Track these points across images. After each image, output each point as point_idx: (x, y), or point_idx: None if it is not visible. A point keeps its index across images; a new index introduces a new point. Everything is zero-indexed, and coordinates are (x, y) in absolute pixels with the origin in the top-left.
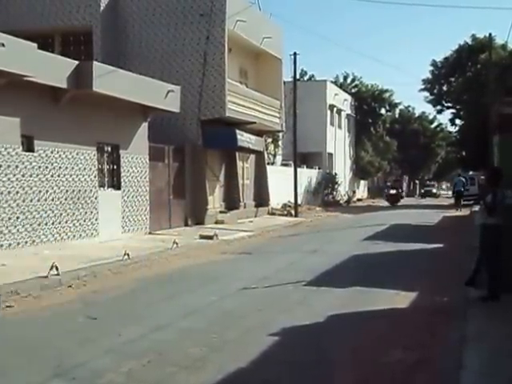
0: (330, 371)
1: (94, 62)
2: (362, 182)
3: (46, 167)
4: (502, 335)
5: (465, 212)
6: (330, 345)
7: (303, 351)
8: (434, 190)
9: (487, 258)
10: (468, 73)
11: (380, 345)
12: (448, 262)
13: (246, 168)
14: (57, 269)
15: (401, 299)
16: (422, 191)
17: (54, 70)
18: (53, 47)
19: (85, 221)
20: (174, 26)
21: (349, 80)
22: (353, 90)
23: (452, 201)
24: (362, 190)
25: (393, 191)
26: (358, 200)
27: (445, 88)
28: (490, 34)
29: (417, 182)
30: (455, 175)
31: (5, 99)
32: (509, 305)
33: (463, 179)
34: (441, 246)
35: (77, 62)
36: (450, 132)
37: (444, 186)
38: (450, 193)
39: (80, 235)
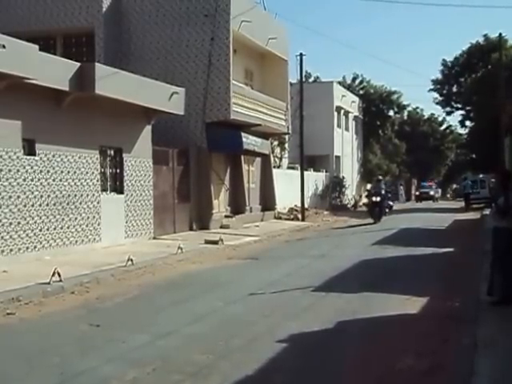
0: (341, 379)
1: (97, 64)
2: (369, 185)
3: (48, 171)
4: None
5: (476, 215)
6: (340, 352)
7: (312, 358)
8: (432, 192)
9: (499, 261)
10: (478, 73)
11: (391, 351)
12: (459, 266)
13: (251, 171)
14: (59, 275)
15: (412, 304)
16: (417, 193)
17: (55, 72)
18: (54, 49)
19: (87, 226)
20: (177, 26)
21: (357, 81)
22: (360, 92)
23: (449, 204)
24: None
25: (376, 198)
26: (364, 205)
27: (454, 89)
28: (500, 34)
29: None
30: (462, 179)
31: (6, 102)
32: None
33: (470, 182)
34: (452, 250)
35: (79, 64)
36: (460, 134)
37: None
38: (449, 196)
39: (82, 240)
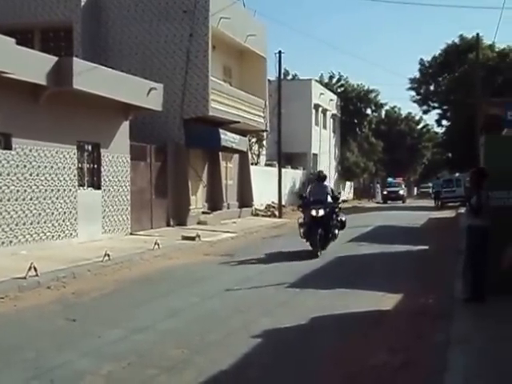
0: (314, 374)
1: (74, 59)
2: (348, 183)
3: (24, 166)
4: (487, 337)
5: (451, 213)
6: (314, 347)
7: (286, 354)
8: (402, 192)
9: (472, 259)
10: (455, 73)
11: (365, 347)
12: (433, 263)
13: (229, 168)
14: (35, 270)
15: (386, 301)
16: (385, 193)
17: (33, 66)
18: (32, 43)
19: (64, 221)
20: (156, 22)
21: (334, 80)
22: (338, 90)
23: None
24: (347, 191)
25: (317, 211)
26: (344, 201)
27: (432, 88)
28: (478, 34)
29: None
30: (435, 178)
31: None
32: (494, 306)
33: (441, 182)
34: (426, 247)
35: (57, 59)
36: (437, 133)
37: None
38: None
39: (59, 235)
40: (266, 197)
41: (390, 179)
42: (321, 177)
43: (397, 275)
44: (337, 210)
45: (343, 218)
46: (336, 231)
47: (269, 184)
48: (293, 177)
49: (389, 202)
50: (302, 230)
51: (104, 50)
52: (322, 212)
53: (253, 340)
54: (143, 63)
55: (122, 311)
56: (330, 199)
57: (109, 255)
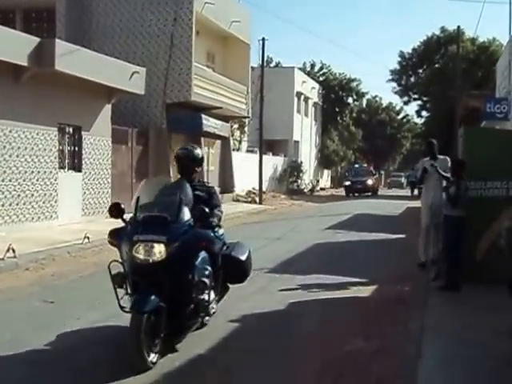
0: (290, 359)
1: (57, 40)
2: (326, 171)
3: (4, 147)
4: (461, 324)
5: None
6: (291, 332)
7: (263, 338)
8: (370, 182)
9: (448, 248)
10: (436, 65)
11: (341, 333)
12: (410, 251)
13: (211, 154)
14: (13, 251)
15: (363, 288)
16: (347, 183)
17: (14, 46)
18: (14, 23)
19: (44, 203)
20: (140, 5)
21: (316, 68)
22: (320, 79)
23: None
24: (325, 179)
25: (145, 252)
26: (322, 189)
27: (412, 79)
28: (459, 27)
29: (382, 172)
30: (411, 168)
31: None
32: (469, 294)
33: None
34: (403, 236)
35: (39, 40)
36: (416, 123)
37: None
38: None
39: (39, 217)
40: (247, 183)
41: (356, 166)
42: (185, 159)
43: (374, 263)
44: (213, 244)
45: (242, 257)
46: (211, 296)
47: (250, 170)
48: (274, 163)
49: (355, 194)
50: (119, 296)
51: (87, 32)
52: (159, 251)
53: (230, 324)
54: (126, 46)
55: (101, 294)
56: (187, 216)
57: (88, 238)
